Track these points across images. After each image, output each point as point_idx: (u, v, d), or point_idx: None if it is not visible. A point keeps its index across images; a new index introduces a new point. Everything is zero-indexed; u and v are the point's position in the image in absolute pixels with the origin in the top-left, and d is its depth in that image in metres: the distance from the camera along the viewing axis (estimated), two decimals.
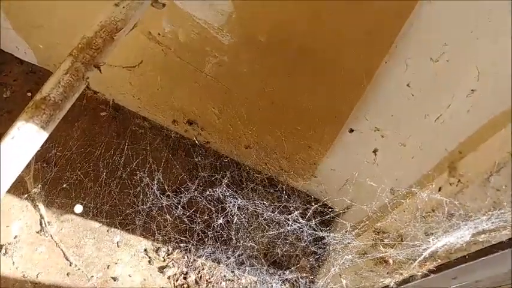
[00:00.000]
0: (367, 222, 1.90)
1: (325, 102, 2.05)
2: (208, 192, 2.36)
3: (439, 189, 1.43)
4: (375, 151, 2.14)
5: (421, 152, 1.81)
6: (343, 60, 1.81)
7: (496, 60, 1.40)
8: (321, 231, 2.11)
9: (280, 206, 2.21)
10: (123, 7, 1.57)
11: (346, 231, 2.03)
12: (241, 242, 2.28)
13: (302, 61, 1.89)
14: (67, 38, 2.31)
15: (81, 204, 2.37)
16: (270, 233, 2.22)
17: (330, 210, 2.44)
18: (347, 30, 1.67)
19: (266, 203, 2.20)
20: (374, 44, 1.67)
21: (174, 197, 2.38)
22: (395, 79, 1.78)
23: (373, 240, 1.84)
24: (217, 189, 2.29)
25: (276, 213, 2.15)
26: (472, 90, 1.49)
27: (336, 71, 1.86)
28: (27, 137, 1.36)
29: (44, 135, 1.40)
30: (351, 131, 2.16)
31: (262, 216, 2.21)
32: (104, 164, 2.49)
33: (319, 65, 1.87)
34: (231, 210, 2.25)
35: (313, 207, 2.10)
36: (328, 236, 2.09)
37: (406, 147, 1.96)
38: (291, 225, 2.10)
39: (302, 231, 2.13)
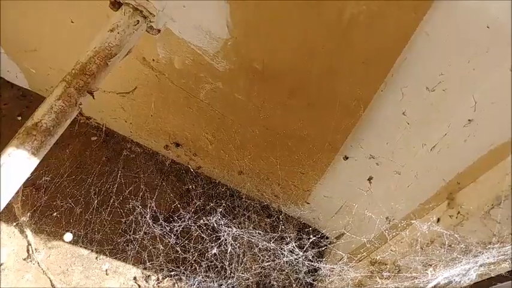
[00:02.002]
0: (364, 253, 1.87)
1: (320, 129, 2.04)
2: (202, 221, 2.32)
3: (438, 221, 1.41)
4: (369, 179, 2.12)
5: (417, 181, 1.80)
6: (338, 89, 1.80)
7: (493, 91, 1.39)
8: (317, 261, 2.07)
9: (275, 236, 2.18)
10: (118, 33, 1.57)
11: (341, 262, 1.99)
12: (236, 273, 2.23)
13: (297, 89, 1.88)
14: (60, 63, 2.31)
15: (71, 232, 2.32)
16: (265, 264, 2.18)
17: (322, 236, 2.41)
18: (343, 61, 1.67)
19: (261, 232, 2.17)
20: (370, 73, 1.67)
21: (167, 226, 2.34)
22: (391, 107, 1.77)
23: (369, 271, 1.81)
24: (211, 218, 2.25)
25: (271, 243, 2.12)
26: (469, 120, 1.49)
27: (331, 100, 1.86)
28: (18, 163, 1.34)
29: (34, 162, 1.38)
30: (346, 158, 2.15)
31: (257, 246, 2.17)
32: (95, 191, 2.45)
33: (314, 93, 1.87)
34: (225, 240, 2.21)
35: (310, 239, 2.07)
36: (324, 267, 2.05)
37: (401, 175, 1.95)
38: (287, 256, 2.06)
39: (297, 262, 2.09)
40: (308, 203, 2.58)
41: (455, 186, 1.43)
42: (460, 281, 1.39)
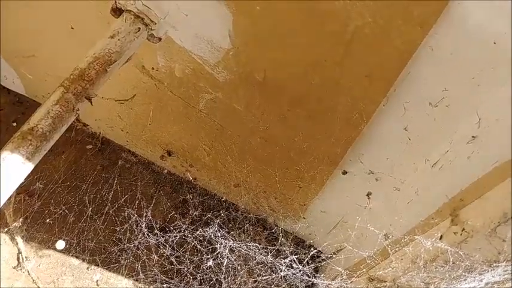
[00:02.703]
0: (363, 269, 1.84)
1: (320, 143, 2.02)
2: (198, 232, 2.28)
3: (441, 237, 1.39)
4: (368, 194, 2.10)
5: (417, 197, 1.78)
6: (340, 102, 1.78)
7: (498, 108, 1.38)
8: (314, 277, 2.03)
9: (272, 250, 2.14)
10: (119, 39, 1.55)
11: (340, 278, 1.96)
12: (231, 286, 2.19)
13: (298, 101, 1.87)
14: (58, 70, 2.28)
15: (64, 240, 2.28)
16: (261, 278, 2.14)
17: (319, 251, 2.38)
18: (346, 73, 1.66)
19: (258, 246, 2.13)
20: (373, 87, 1.66)
21: (162, 236, 2.30)
22: (392, 122, 1.75)
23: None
24: (208, 229, 2.21)
25: (268, 256, 2.08)
26: (472, 136, 1.47)
27: (332, 113, 1.84)
28: (12, 168, 1.31)
29: (29, 167, 1.35)
30: (344, 173, 2.12)
31: (254, 260, 2.13)
32: (90, 199, 2.41)
33: (315, 105, 1.85)
34: (222, 252, 2.17)
35: (308, 254, 2.03)
36: (322, 283, 2.01)
37: (400, 191, 1.93)
38: (284, 271, 2.03)
39: (295, 277, 2.05)
40: (304, 218, 2.55)
41: (458, 203, 1.41)
42: None
